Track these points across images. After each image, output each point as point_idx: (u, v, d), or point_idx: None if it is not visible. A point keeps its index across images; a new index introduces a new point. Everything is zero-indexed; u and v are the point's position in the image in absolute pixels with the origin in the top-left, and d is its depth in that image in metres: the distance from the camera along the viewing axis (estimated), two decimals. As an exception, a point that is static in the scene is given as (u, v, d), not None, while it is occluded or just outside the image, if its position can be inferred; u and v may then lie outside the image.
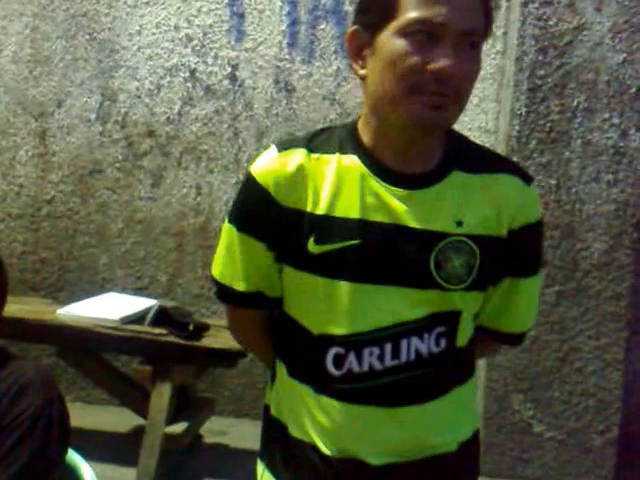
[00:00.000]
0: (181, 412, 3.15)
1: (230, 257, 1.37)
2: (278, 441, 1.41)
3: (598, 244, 3.17)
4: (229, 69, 3.54)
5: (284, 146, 1.32)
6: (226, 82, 3.55)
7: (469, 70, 1.23)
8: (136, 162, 3.62)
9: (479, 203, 1.31)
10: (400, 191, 1.28)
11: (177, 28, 3.56)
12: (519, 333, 1.48)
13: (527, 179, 1.36)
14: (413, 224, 1.27)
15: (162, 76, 3.58)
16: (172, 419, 3.07)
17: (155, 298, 3.33)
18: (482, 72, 3.56)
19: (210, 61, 3.55)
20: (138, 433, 3.17)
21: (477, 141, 3.62)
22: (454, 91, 1.21)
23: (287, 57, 3.51)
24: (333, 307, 1.29)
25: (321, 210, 1.28)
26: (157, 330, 3.06)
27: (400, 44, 1.20)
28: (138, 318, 3.13)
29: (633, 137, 3.14)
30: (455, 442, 1.38)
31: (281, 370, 1.40)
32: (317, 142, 1.32)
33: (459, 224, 1.29)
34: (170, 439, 3.04)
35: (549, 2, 3.13)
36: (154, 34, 3.57)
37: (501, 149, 3.28)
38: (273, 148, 1.32)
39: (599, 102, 3.14)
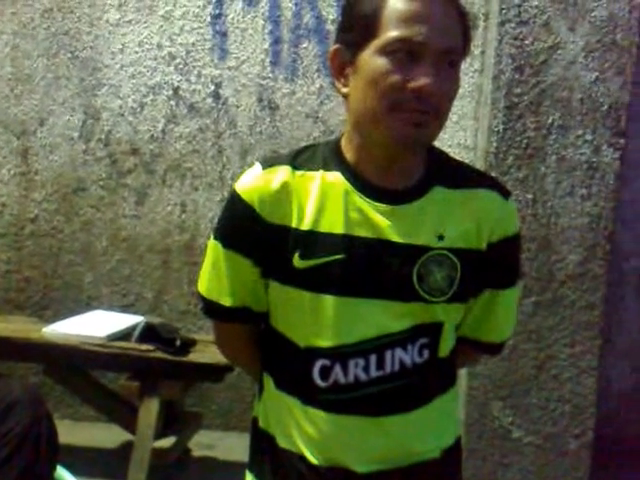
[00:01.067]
0: (169, 427, 3.19)
1: (216, 273, 1.39)
2: (266, 452, 1.43)
3: (573, 256, 3.26)
4: (212, 87, 3.59)
5: (268, 163, 1.35)
6: (209, 100, 3.60)
7: (448, 88, 1.26)
8: (120, 180, 3.66)
9: (459, 217, 1.35)
10: (383, 206, 1.31)
11: (160, 46, 3.60)
12: (499, 343, 1.54)
13: (505, 194, 1.41)
14: (396, 238, 1.31)
15: (145, 94, 3.62)
16: (160, 434, 3.12)
17: (141, 315, 3.36)
18: (461, 90, 3.64)
19: (193, 79, 3.60)
20: (127, 448, 3.21)
21: (457, 157, 3.71)
22: (434, 109, 1.24)
23: (270, 75, 3.57)
24: (319, 320, 1.32)
25: (306, 226, 1.31)
26: (144, 346, 3.10)
27: (381, 62, 1.23)
28: (125, 335, 3.17)
29: (605, 153, 3.21)
30: (438, 449, 1.42)
31: (268, 383, 1.43)
32: (301, 159, 1.35)
33: (440, 238, 1.32)
34: (158, 454, 3.08)
35: (525, 22, 3.19)
36: (137, 52, 3.61)
37: (480, 165, 3.36)
38: (257, 166, 1.35)
39: (573, 119, 3.22)
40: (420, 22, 1.22)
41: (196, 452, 3.43)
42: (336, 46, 1.31)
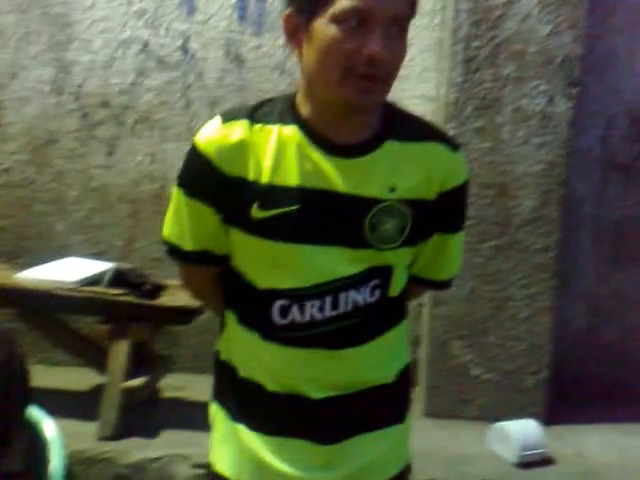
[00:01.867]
0: (139, 368, 3.27)
1: (178, 219, 1.46)
2: (228, 381, 1.52)
3: (528, 201, 3.38)
4: (181, 41, 3.67)
5: (228, 117, 1.40)
6: (178, 54, 3.68)
7: (397, 53, 1.33)
8: (91, 132, 3.73)
9: (410, 170, 1.42)
10: (336, 159, 1.38)
11: (129, 2, 3.66)
12: (447, 280, 1.65)
13: (454, 145, 1.50)
14: (349, 190, 1.38)
15: (115, 49, 3.68)
16: (131, 375, 3.19)
17: (112, 262, 3.45)
18: (423, 44, 3.77)
19: (162, 33, 3.67)
20: (99, 391, 3.27)
21: (420, 107, 3.85)
22: (385, 73, 1.32)
23: (237, 29, 3.66)
24: (277, 266, 1.41)
25: (263, 178, 1.37)
26: (114, 291, 3.18)
27: (334, 31, 1.28)
28: (95, 280, 3.24)
29: (559, 103, 3.33)
30: (392, 374, 1.54)
31: (231, 318, 1.50)
32: (259, 113, 1.40)
33: (392, 190, 1.40)
34: (129, 393, 3.16)
35: (482, -22, 3.32)
36: (107, 8, 3.67)
37: (440, 115, 3.47)
38: (217, 118, 1.41)
39: (528, 71, 3.33)
40: None
41: (166, 393, 3.52)
42: (289, 10, 1.36)
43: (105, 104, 3.72)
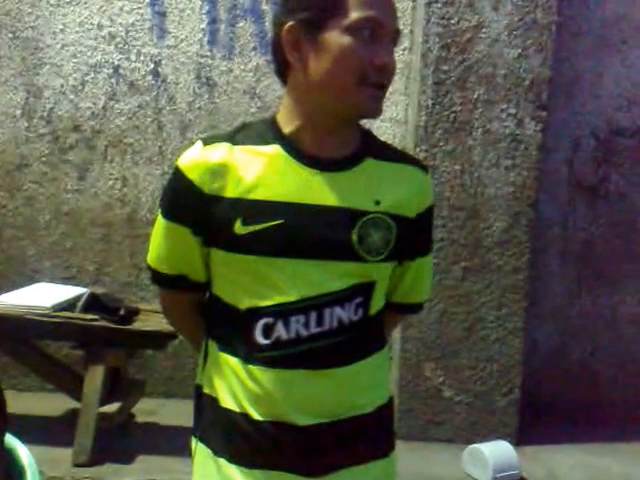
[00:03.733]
0: (113, 393, 3.26)
1: (158, 242, 1.50)
2: (210, 415, 1.51)
3: (499, 223, 3.41)
4: (152, 65, 3.69)
5: (208, 141, 1.44)
6: (149, 78, 3.69)
7: (394, 64, 1.41)
8: (62, 156, 3.73)
9: (392, 187, 1.47)
10: (320, 174, 1.41)
11: (100, 26, 3.68)
12: (424, 302, 1.70)
13: (424, 168, 1.57)
14: (335, 203, 1.41)
15: (86, 72, 3.70)
16: (105, 400, 3.17)
17: (84, 287, 3.43)
18: (390, 67, 3.78)
19: (133, 58, 3.69)
20: (70, 416, 3.29)
21: (389, 131, 3.88)
22: (389, 82, 1.40)
23: (208, 54, 3.68)
24: (261, 282, 1.41)
25: (247, 195, 1.39)
26: (89, 316, 3.16)
27: (349, 40, 1.34)
28: (69, 305, 3.23)
29: (528, 125, 3.37)
30: (374, 404, 1.51)
31: (212, 347, 1.50)
32: (239, 136, 1.44)
33: (377, 203, 1.43)
34: (104, 418, 3.14)
35: (451, 2, 3.34)
36: (77, 32, 3.69)
37: (410, 138, 3.51)
38: (198, 143, 1.44)
39: (497, 94, 3.37)
40: (378, 4, 1.36)
41: (139, 418, 3.51)
42: (290, 22, 1.38)
43: (76, 128, 3.72)
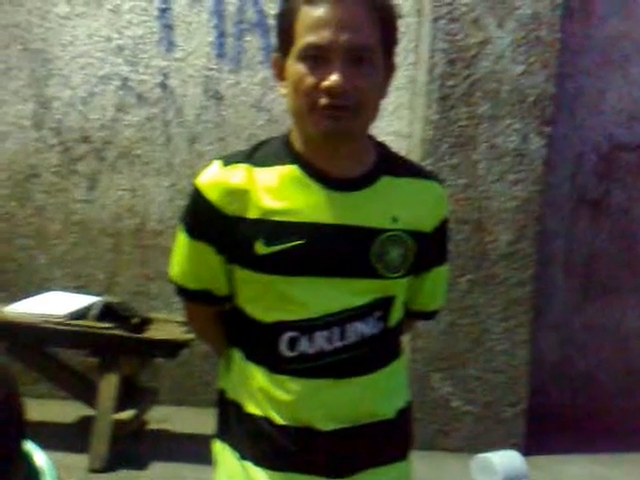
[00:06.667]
0: (127, 401, 3.29)
1: (181, 259, 1.53)
2: (235, 419, 1.54)
3: (504, 236, 3.47)
4: (160, 78, 3.72)
5: (227, 161, 1.45)
6: (157, 90, 3.72)
7: (364, 83, 1.37)
8: (71, 166, 3.75)
9: (409, 203, 1.49)
10: (337, 194, 1.43)
11: (109, 39, 3.71)
12: (438, 309, 1.72)
13: (439, 181, 1.59)
14: (353, 222, 1.43)
15: (95, 84, 3.72)
16: (119, 407, 3.21)
17: (94, 296, 3.45)
18: (396, 82, 3.86)
19: (141, 70, 3.72)
20: (84, 423, 3.31)
21: (393, 144, 3.93)
22: (355, 103, 1.36)
23: (215, 67, 3.72)
24: (284, 299, 1.44)
25: (267, 216, 1.41)
26: (103, 324, 3.20)
27: (298, 68, 1.36)
28: (83, 313, 3.26)
29: (533, 140, 3.43)
30: (393, 410, 1.55)
31: (237, 356, 1.53)
32: (257, 156, 1.45)
33: (394, 220, 1.45)
34: (119, 425, 3.18)
35: (456, 19, 3.39)
36: (86, 44, 3.71)
37: (416, 152, 3.55)
38: (217, 162, 1.46)
39: (502, 109, 3.43)
40: (325, 27, 1.35)
41: (152, 425, 3.53)
42: (275, 54, 1.45)
43: (86, 139, 3.74)
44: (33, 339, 3.24)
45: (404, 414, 1.60)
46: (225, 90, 3.73)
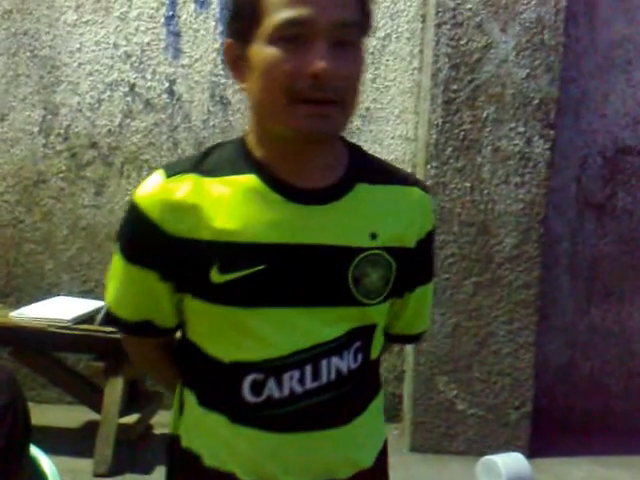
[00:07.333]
0: (132, 405, 3.32)
1: (117, 285, 1.29)
2: (191, 472, 1.32)
3: (509, 239, 3.47)
4: (167, 84, 3.75)
5: (171, 171, 1.21)
6: (164, 96, 3.76)
7: (349, 70, 1.15)
8: (79, 172, 3.79)
9: (389, 214, 1.27)
10: (305, 208, 1.20)
11: (116, 46, 3.75)
12: (424, 331, 1.50)
13: (425, 188, 1.35)
14: (325, 241, 1.21)
15: (102, 91, 3.76)
16: (124, 412, 3.24)
17: (101, 300, 3.48)
18: (401, 86, 3.87)
19: (149, 76, 3.75)
20: (89, 428, 3.34)
21: (399, 148, 3.93)
22: (339, 96, 1.13)
23: (222, 73, 3.74)
24: (246, 335, 1.21)
25: (221, 237, 1.18)
26: (108, 328, 3.22)
27: (271, 52, 1.11)
28: (89, 318, 3.30)
29: (537, 144, 3.44)
30: (374, 456, 1.36)
31: (190, 399, 1.30)
32: (208, 164, 1.21)
33: (373, 237, 1.23)
34: (124, 429, 3.21)
35: (460, 24, 3.41)
36: (94, 51, 3.76)
37: (421, 156, 3.57)
38: (159, 173, 1.22)
39: (506, 113, 3.43)
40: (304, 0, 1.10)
41: (156, 430, 3.55)
42: (228, 40, 1.21)
43: (93, 145, 3.78)
44: (39, 344, 3.27)
45: (382, 455, 1.40)
46: (232, 96, 3.77)
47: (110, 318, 1.33)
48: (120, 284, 1.28)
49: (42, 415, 3.43)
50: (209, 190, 1.19)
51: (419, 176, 3.55)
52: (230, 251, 1.18)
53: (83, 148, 3.79)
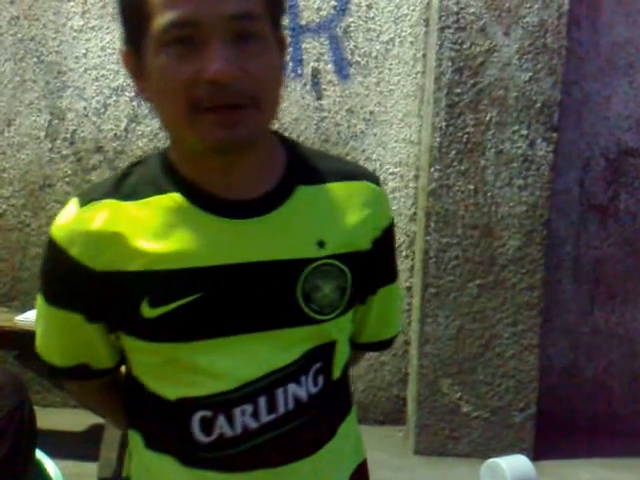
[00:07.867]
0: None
1: (43, 329, 1.17)
2: None
3: (512, 241, 3.48)
4: (172, 89, 3.78)
5: (85, 199, 1.09)
6: (170, 101, 3.78)
7: (257, 66, 1.00)
8: (85, 176, 3.82)
9: (338, 216, 1.14)
10: (239, 222, 1.08)
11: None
12: (394, 336, 1.37)
13: (376, 180, 1.22)
14: (265, 257, 1.08)
15: (108, 95, 3.79)
16: (129, 415, 3.26)
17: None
18: (405, 90, 3.88)
19: (154, 82, 3.78)
20: (94, 432, 3.34)
21: (403, 151, 3.92)
22: (248, 97, 1.00)
23: (226, 77, 3.77)
24: (190, 370, 1.10)
25: (148, 266, 1.06)
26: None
27: (163, 59, 1.00)
28: (93, 322, 3.30)
29: (540, 146, 3.45)
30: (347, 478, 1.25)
31: (136, 441, 1.19)
32: (126, 187, 1.09)
33: (320, 245, 1.11)
34: (127, 433, 3.21)
35: (463, 28, 3.43)
36: (100, 57, 3.78)
37: (424, 159, 3.59)
38: (73, 202, 1.10)
39: (509, 116, 3.45)
40: None
41: (161, 434, 3.56)
42: (123, 48, 1.09)
43: (99, 149, 3.81)
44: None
45: (357, 477, 1.28)
46: (236, 100, 3.78)
47: (42, 364, 1.21)
48: (46, 328, 1.17)
49: (47, 419, 3.43)
50: (130, 215, 1.07)
51: (423, 179, 3.57)
52: (160, 281, 1.06)
53: (89, 152, 3.81)
